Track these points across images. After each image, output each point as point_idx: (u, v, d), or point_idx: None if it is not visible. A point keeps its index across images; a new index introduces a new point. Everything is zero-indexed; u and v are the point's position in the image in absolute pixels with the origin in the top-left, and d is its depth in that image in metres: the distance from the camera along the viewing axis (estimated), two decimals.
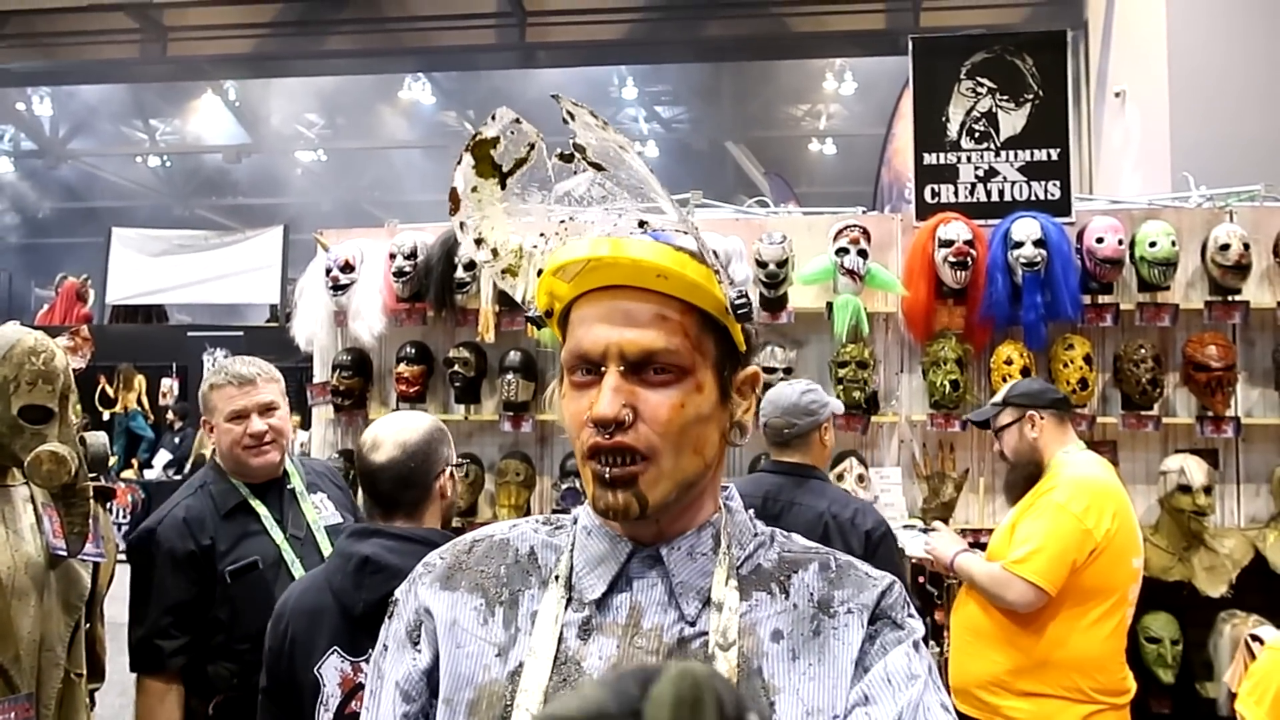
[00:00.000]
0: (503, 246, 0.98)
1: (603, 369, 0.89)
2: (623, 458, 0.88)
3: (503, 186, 0.96)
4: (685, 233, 0.91)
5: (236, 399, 2.32)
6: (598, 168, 0.91)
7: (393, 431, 1.92)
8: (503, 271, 1.00)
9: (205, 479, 2.39)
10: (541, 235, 0.97)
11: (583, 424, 0.89)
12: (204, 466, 2.48)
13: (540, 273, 0.95)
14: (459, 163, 0.96)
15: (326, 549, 2.32)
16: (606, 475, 0.88)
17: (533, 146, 0.96)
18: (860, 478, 3.67)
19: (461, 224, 0.98)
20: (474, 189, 0.96)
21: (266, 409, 2.34)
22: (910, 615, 0.91)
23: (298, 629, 1.83)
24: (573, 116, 0.91)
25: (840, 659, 0.87)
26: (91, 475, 2.00)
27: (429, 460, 1.91)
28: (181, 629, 2.24)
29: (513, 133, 0.95)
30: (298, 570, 2.27)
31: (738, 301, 0.91)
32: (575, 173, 0.93)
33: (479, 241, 0.98)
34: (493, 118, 0.95)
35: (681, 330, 0.89)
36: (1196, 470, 3.49)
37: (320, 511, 2.41)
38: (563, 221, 0.96)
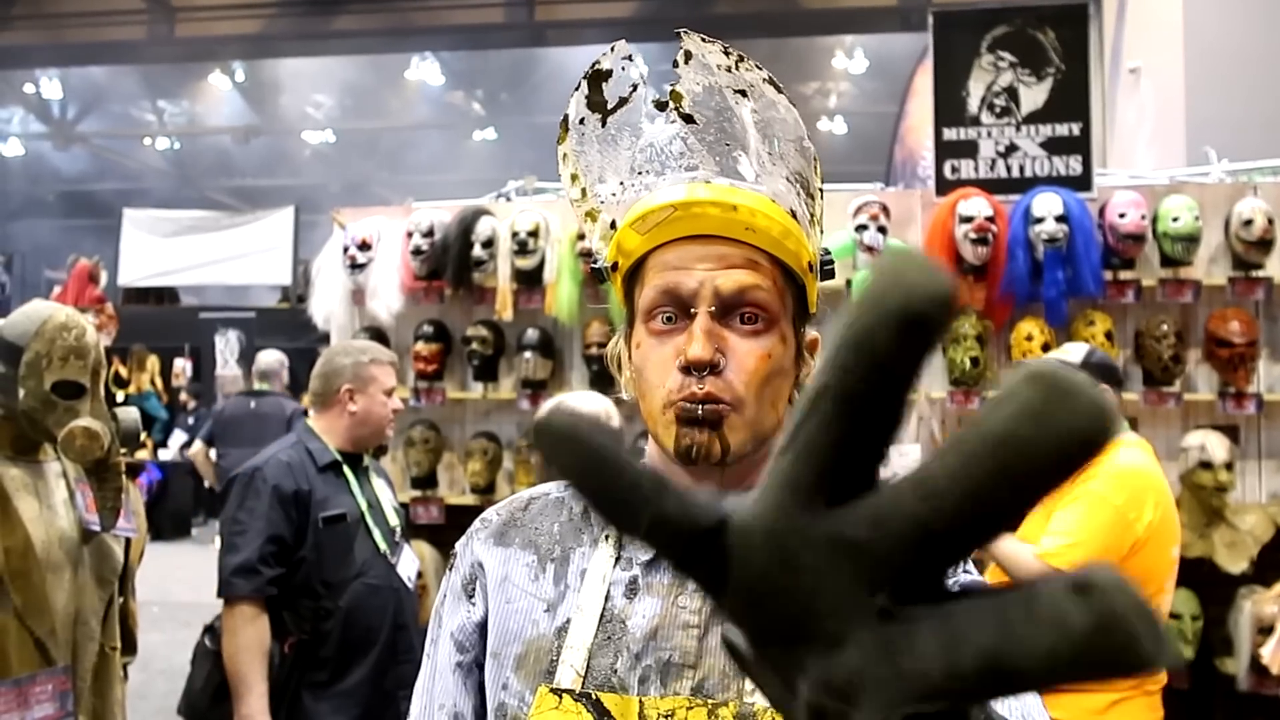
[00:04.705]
0: (591, 188, 0.96)
1: (691, 311, 0.87)
2: (710, 403, 0.87)
3: (604, 124, 0.93)
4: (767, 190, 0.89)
5: (392, 376, 2.67)
6: (688, 120, 0.89)
7: (609, 405, 2.40)
8: (585, 214, 0.97)
9: (300, 437, 2.64)
10: (621, 185, 0.94)
11: (667, 372, 0.88)
12: (297, 427, 2.72)
13: (614, 224, 0.93)
14: (576, 89, 0.93)
15: (393, 521, 2.65)
16: (699, 411, 0.86)
17: (635, 87, 0.93)
18: None
19: (564, 155, 0.95)
20: (582, 120, 0.94)
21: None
22: (966, 569, 0.91)
23: None
24: (688, 58, 0.88)
25: None
26: (123, 450, 2.00)
27: None
28: (278, 560, 2.44)
29: (623, 67, 0.92)
30: (376, 533, 2.54)
31: (824, 259, 0.90)
32: (666, 122, 0.90)
33: (574, 176, 0.96)
34: (611, 49, 0.92)
35: (770, 277, 0.88)
36: (1218, 446, 3.48)
37: (382, 495, 2.69)
38: (622, 182, 0.94)
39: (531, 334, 3.96)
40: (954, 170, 3.87)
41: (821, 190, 0.94)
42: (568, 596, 0.92)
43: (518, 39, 12.16)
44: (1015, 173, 3.84)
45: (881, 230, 3.69)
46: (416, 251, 4.01)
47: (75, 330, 1.93)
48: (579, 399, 2.47)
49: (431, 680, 0.97)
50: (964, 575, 0.89)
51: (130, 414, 2.03)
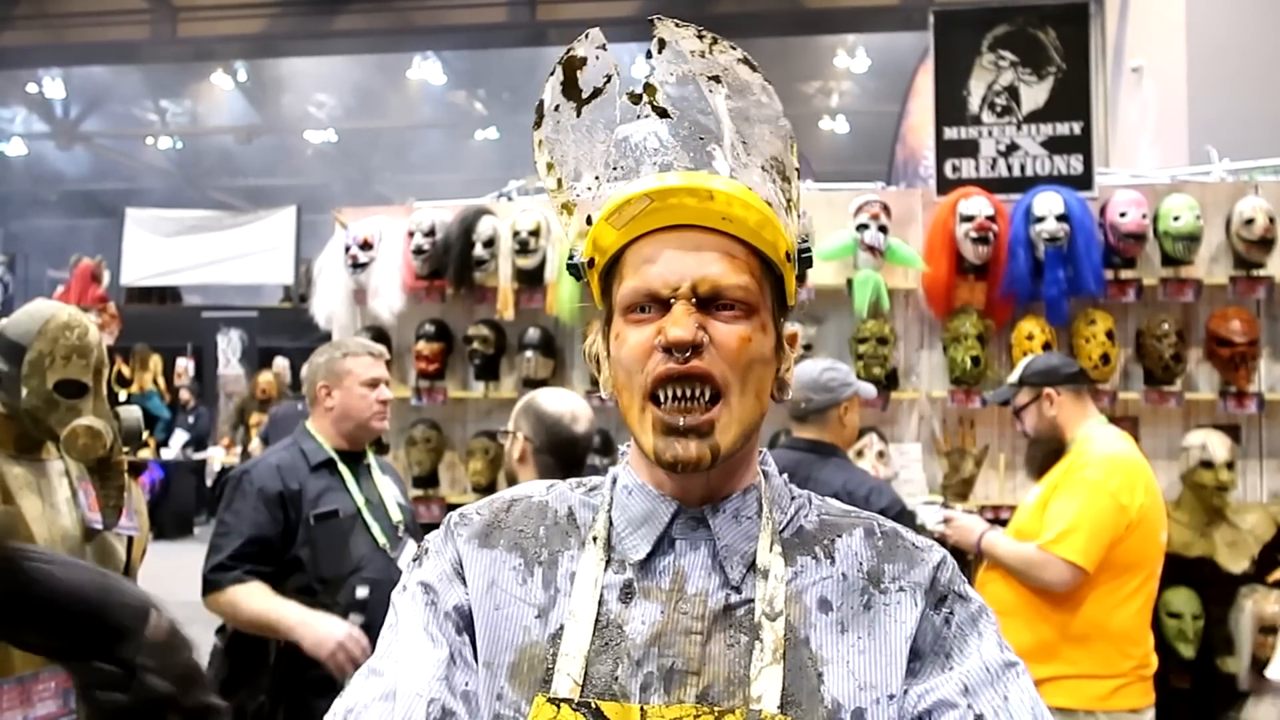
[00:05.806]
0: (567, 180, 0.94)
1: (670, 303, 0.86)
2: (694, 391, 0.85)
3: (578, 114, 0.92)
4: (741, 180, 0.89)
5: (372, 368, 2.61)
6: (662, 114, 0.88)
7: (578, 405, 2.31)
8: (562, 206, 0.96)
9: (295, 438, 2.63)
10: (596, 179, 0.93)
11: (648, 354, 0.86)
12: (296, 429, 2.70)
13: (589, 220, 0.92)
14: (551, 74, 0.92)
15: (396, 517, 2.61)
16: (680, 424, 0.85)
17: (609, 78, 0.92)
18: (880, 454, 3.67)
19: (540, 141, 0.94)
20: (556, 107, 0.92)
21: (386, 383, 2.65)
22: (966, 583, 0.91)
23: None
24: (662, 47, 0.87)
25: (893, 636, 0.86)
26: (125, 449, 2.01)
27: None
28: (262, 561, 2.42)
29: (598, 56, 0.91)
30: (375, 528, 2.52)
31: (801, 247, 0.90)
32: (639, 116, 0.90)
33: (549, 165, 0.94)
34: (585, 36, 0.91)
35: (747, 270, 0.87)
36: (1219, 446, 3.48)
37: (385, 491, 2.67)
38: (597, 177, 0.93)
39: (533, 333, 3.96)
40: (955, 169, 3.88)
41: (799, 170, 0.92)
42: (559, 601, 0.89)
43: (520, 38, 12.16)
44: (1016, 172, 3.84)
45: (882, 229, 3.69)
46: (418, 251, 4.02)
47: (78, 329, 1.93)
48: (550, 396, 2.41)
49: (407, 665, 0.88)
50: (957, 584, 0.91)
51: (132, 413, 2.04)
